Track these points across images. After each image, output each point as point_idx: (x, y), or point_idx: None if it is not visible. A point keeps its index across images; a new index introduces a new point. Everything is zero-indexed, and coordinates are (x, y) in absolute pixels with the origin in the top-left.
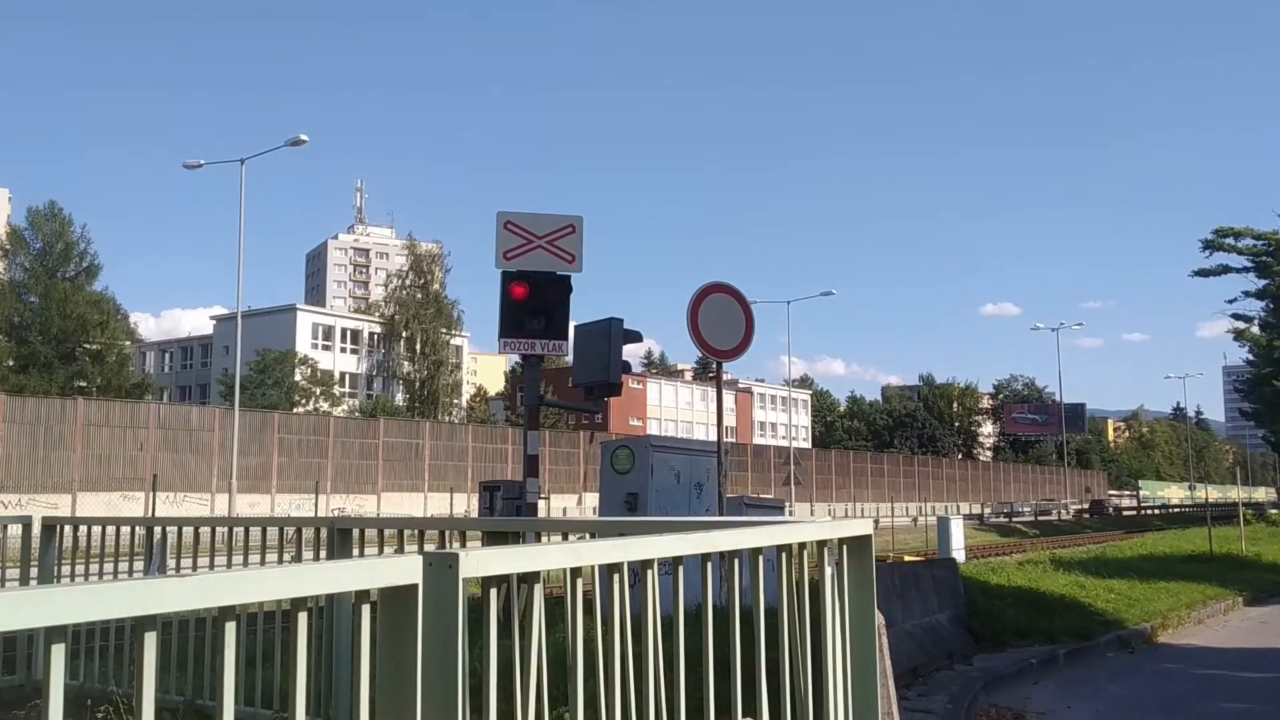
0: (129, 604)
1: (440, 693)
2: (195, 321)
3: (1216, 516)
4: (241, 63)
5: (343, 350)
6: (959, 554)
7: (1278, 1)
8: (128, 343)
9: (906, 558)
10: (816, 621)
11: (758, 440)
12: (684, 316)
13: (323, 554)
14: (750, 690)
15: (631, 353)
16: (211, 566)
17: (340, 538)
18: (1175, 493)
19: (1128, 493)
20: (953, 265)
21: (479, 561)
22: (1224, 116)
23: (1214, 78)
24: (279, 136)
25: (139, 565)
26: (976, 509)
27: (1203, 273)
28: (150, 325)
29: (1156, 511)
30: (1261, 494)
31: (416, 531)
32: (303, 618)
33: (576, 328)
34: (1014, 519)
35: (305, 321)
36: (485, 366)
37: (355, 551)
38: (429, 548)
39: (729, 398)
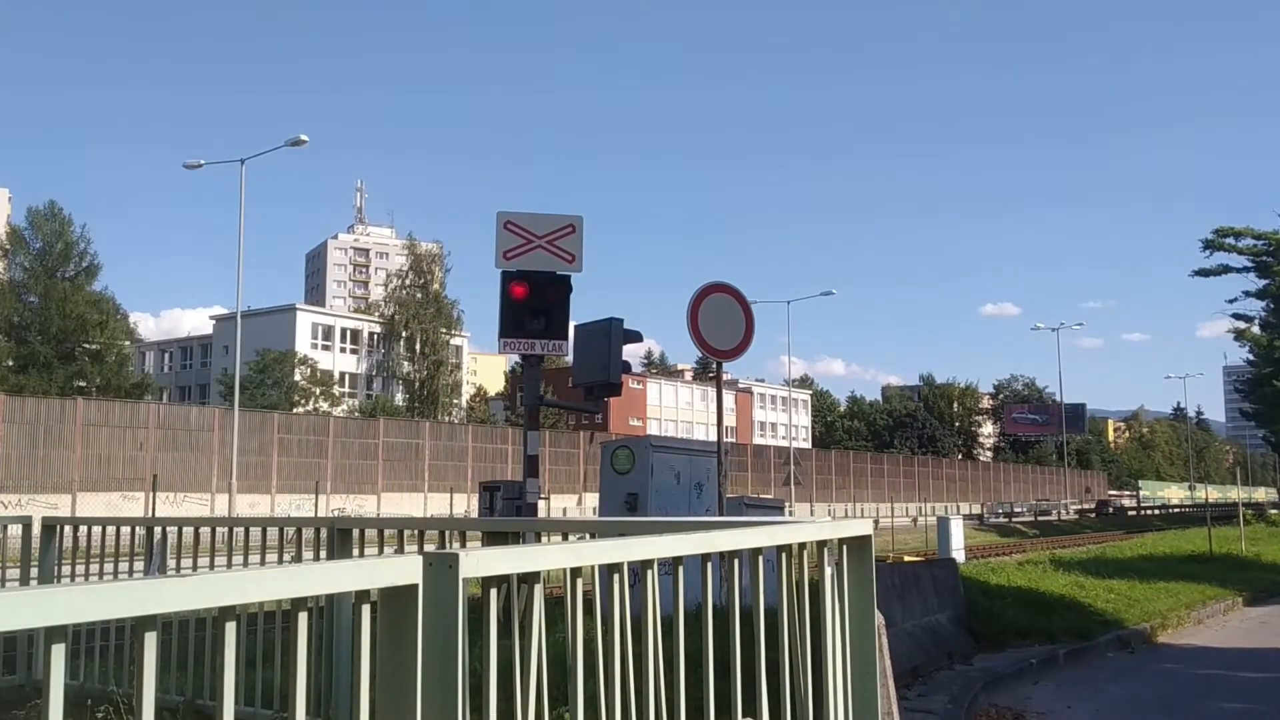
0: (129, 604)
1: (440, 693)
2: (195, 321)
3: (1216, 517)
4: (241, 63)
5: (342, 350)
6: (959, 554)
7: (1278, 2)
8: (127, 343)
9: (906, 558)
10: (816, 621)
11: (758, 440)
12: (684, 316)
13: (323, 554)
14: (750, 690)
15: (631, 353)
16: (211, 567)
17: (340, 538)
18: (1175, 493)
19: (1128, 493)
20: (953, 265)
21: (479, 561)
22: (1224, 116)
23: (1214, 78)
24: (279, 136)
25: (139, 565)
26: (976, 509)
27: (1203, 272)
28: (150, 325)
29: (1156, 512)
30: (1261, 494)
31: (416, 532)
32: (303, 618)
33: (576, 328)
34: (1014, 519)
35: (305, 321)
36: (485, 366)
37: (355, 552)
38: (429, 548)
39: (729, 398)
